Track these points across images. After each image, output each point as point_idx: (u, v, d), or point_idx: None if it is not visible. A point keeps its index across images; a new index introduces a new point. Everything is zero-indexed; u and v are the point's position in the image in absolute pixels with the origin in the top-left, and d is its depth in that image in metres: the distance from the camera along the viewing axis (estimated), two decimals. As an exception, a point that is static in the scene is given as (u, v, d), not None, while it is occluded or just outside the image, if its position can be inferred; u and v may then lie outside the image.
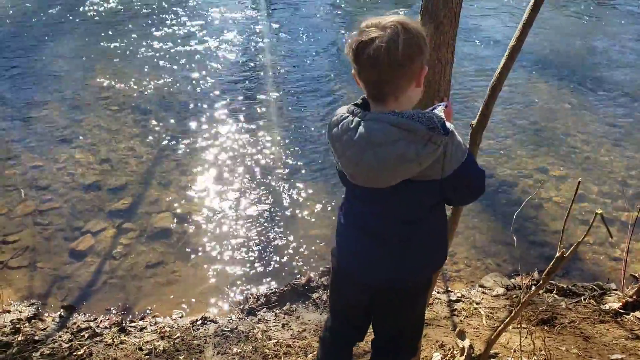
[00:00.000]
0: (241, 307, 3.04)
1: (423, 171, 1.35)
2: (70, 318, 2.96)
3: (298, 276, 3.34)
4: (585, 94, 5.99)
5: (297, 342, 2.64)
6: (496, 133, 5.03)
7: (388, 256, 1.55)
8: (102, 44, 6.96)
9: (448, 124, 1.36)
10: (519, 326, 2.41)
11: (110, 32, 7.32)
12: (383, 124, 1.31)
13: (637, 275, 3.25)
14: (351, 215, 1.61)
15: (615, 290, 3.05)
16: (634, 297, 2.82)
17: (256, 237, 3.70)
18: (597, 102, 5.80)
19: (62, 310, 3.02)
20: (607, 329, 2.63)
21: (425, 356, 2.42)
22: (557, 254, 1.78)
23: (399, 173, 1.35)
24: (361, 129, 1.33)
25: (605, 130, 5.19)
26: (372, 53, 1.28)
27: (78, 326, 2.84)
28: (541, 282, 1.88)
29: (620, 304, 2.81)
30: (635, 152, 4.80)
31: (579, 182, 1.71)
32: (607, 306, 2.82)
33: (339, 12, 8.72)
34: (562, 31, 8.12)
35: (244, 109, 5.47)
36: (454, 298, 3.06)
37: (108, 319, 2.96)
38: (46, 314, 3.00)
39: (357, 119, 1.36)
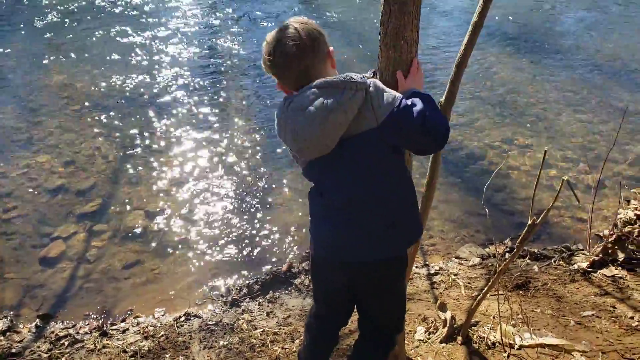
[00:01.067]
0: (224, 299, 3.04)
1: (355, 122, 1.45)
2: (48, 327, 2.89)
3: (279, 263, 3.36)
4: (544, 64, 6.15)
5: (283, 329, 2.66)
6: (460, 107, 5.12)
7: (359, 229, 1.57)
8: (55, 41, 6.68)
9: (368, 77, 1.48)
10: (496, 293, 2.50)
11: (63, 28, 7.03)
12: (305, 91, 1.46)
13: (601, 234, 3.40)
14: (317, 197, 1.65)
15: (583, 250, 3.19)
16: (600, 255, 2.96)
17: (233, 228, 3.68)
18: (556, 71, 5.97)
19: (37, 320, 2.94)
20: (577, 288, 2.75)
21: (410, 330, 2.49)
22: (529, 222, 1.84)
23: (330, 127, 1.43)
24: (291, 105, 1.49)
25: (564, 98, 5.35)
26: (283, 51, 1.47)
27: (57, 334, 2.78)
28: (515, 249, 1.95)
29: (588, 263, 2.95)
30: (593, 117, 4.98)
31: (546, 151, 1.77)
32: (575, 266, 2.95)
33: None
34: (519, 3, 8.27)
35: (209, 100, 5.38)
36: (432, 271, 3.14)
37: (88, 324, 2.91)
38: (21, 326, 2.92)
39: (287, 101, 1.51)
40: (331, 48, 1.58)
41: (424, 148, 1.57)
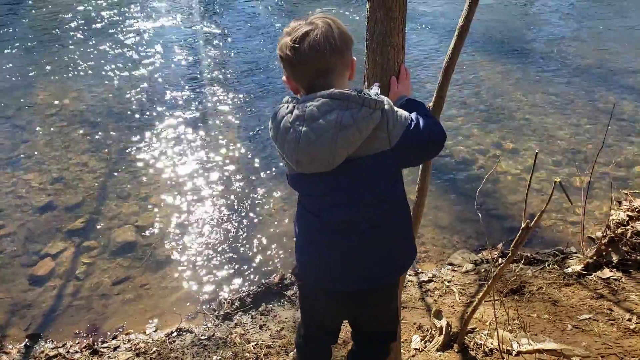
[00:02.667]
0: (216, 313, 2.99)
1: (367, 143, 1.35)
2: (37, 347, 2.83)
3: (271, 275, 3.32)
4: (529, 68, 6.21)
5: (277, 342, 2.62)
6: (448, 113, 5.14)
7: (356, 255, 1.48)
8: (39, 58, 6.63)
9: (381, 95, 1.39)
10: (491, 299, 2.48)
11: (46, 45, 6.99)
12: (317, 99, 1.33)
13: (594, 236, 3.40)
14: (308, 220, 1.54)
15: (576, 253, 3.18)
16: (594, 257, 2.96)
17: (223, 241, 3.64)
18: (541, 75, 6.03)
19: (27, 340, 2.87)
20: (573, 292, 2.75)
21: (405, 339, 2.46)
22: (522, 225, 1.83)
23: (340, 144, 1.31)
24: (296, 111, 1.34)
25: (551, 101, 5.40)
26: (312, 43, 1.33)
27: (46, 354, 2.72)
28: (509, 254, 1.94)
29: (582, 265, 2.94)
30: (580, 119, 5.02)
31: (537, 153, 1.77)
32: (570, 269, 2.94)
33: (281, 8, 8.67)
34: (503, 8, 8.38)
35: (197, 113, 5.36)
36: (425, 279, 3.11)
37: (78, 343, 2.85)
38: (10, 346, 2.85)
39: (291, 104, 1.38)
40: (354, 59, 1.49)
41: (426, 159, 1.58)
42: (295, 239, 1.63)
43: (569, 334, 2.37)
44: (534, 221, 1.81)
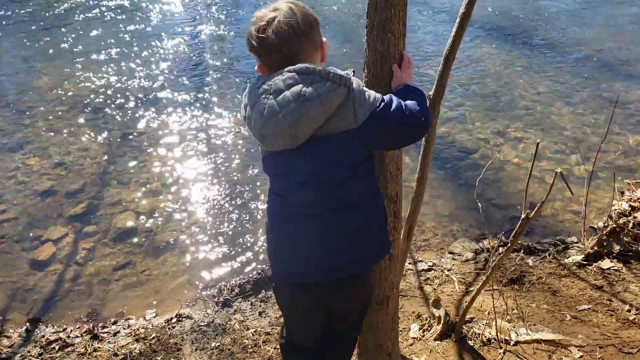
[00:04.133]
0: (216, 299, 3.00)
1: (332, 120, 1.34)
2: (38, 331, 2.84)
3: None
4: (533, 56, 6.14)
5: (276, 329, 2.63)
6: (451, 101, 5.10)
7: (319, 239, 1.42)
8: (39, 42, 6.59)
9: (351, 74, 1.39)
10: (490, 289, 2.48)
11: (46, 30, 6.94)
12: (282, 74, 1.35)
13: (595, 226, 3.38)
14: (274, 203, 1.49)
15: (577, 243, 3.17)
16: (595, 248, 2.94)
17: (224, 228, 3.64)
18: (545, 63, 5.96)
19: (27, 324, 2.89)
20: (573, 282, 2.74)
21: (403, 328, 2.46)
22: (522, 215, 1.82)
23: (305, 117, 1.30)
24: (264, 86, 1.37)
25: (555, 90, 5.34)
26: (275, 29, 1.35)
27: (47, 339, 2.74)
28: (509, 244, 1.92)
29: (583, 256, 2.93)
30: (584, 108, 4.97)
31: (538, 143, 1.75)
32: (570, 259, 2.93)
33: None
34: (508, -5, 8.25)
35: (200, 99, 5.33)
36: (425, 267, 3.11)
37: (78, 328, 2.86)
38: (11, 330, 2.87)
39: (260, 81, 1.40)
40: (324, 39, 1.50)
41: (400, 144, 1.51)
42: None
43: (568, 324, 2.37)
44: (534, 211, 1.79)
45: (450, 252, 3.30)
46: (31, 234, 3.61)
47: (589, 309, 2.48)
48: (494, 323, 2.25)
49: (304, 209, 1.42)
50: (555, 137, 4.52)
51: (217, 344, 2.56)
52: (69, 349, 2.64)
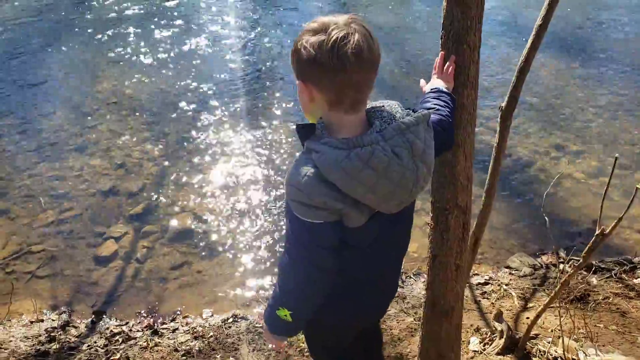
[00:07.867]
0: (270, 302, 3.04)
1: None
2: (102, 323, 2.97)
3: (324, 268, 3.34)
4: (592, 68, 5.94)
5: (331, 334, 2.64)
6: (508, 113, 4.99)
7: (386, 293, 1.58)
8: (101, 49, 6.91)
9: None
10: (553, 306, 2.40)
11: (107, 37, 7.27)
12: (413, 126, 1.16)
13: (663, 247, 3.23)
14: (360, 274, 1.40)
15: (644, 263, 3.04)
16: (665, 269, 2.81)
17: (277, 230, 3.70)
18: (605, 75, 5.75)
19: (93, 316, 3.03)
20: (641, 303, 2.62)
21: (462, 341, 2.42)
22: (597, 231, 1.77)
23: (428, 167, 1.22)
24: (386, 145, 1.12)
25: (616, 102, 5.15)
26: (354, 49, 1.07)
27: (111, 331, 2.86)
28: (580, 261, 1.87)
29: (652, 277, 2.81)
30: (650, 123, 4.76)
31: (616, 157, 1.70)
32: (639, 281, 2.81)
33: (342, 6, 8.66)
34: (565, 5, 8.02)
35: (251, 107, 5.44)
36: (481, 281, 3.05)
37: (140, 322, 2.98)
38: (78, 321, 3.01)
39: (374, 139, 1.12)
40: None
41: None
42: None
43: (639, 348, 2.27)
44: (611, 227, 1.74)
45: (507, 267, 3.23)
46: (95, 231, 3.79)
47: (661, 332, 2.37)
48: (560, 341, 2.19)
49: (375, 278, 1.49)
50: (618, 151, 4.35)
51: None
52: (132, 342, 2.75)
